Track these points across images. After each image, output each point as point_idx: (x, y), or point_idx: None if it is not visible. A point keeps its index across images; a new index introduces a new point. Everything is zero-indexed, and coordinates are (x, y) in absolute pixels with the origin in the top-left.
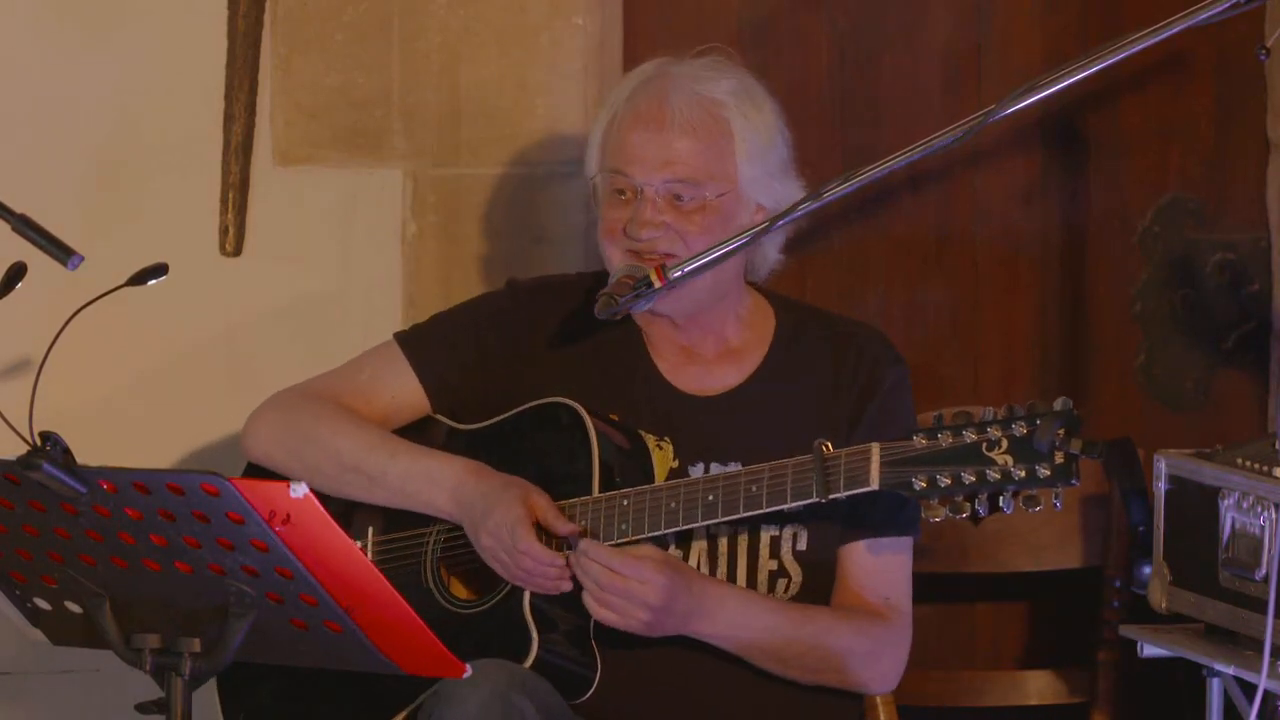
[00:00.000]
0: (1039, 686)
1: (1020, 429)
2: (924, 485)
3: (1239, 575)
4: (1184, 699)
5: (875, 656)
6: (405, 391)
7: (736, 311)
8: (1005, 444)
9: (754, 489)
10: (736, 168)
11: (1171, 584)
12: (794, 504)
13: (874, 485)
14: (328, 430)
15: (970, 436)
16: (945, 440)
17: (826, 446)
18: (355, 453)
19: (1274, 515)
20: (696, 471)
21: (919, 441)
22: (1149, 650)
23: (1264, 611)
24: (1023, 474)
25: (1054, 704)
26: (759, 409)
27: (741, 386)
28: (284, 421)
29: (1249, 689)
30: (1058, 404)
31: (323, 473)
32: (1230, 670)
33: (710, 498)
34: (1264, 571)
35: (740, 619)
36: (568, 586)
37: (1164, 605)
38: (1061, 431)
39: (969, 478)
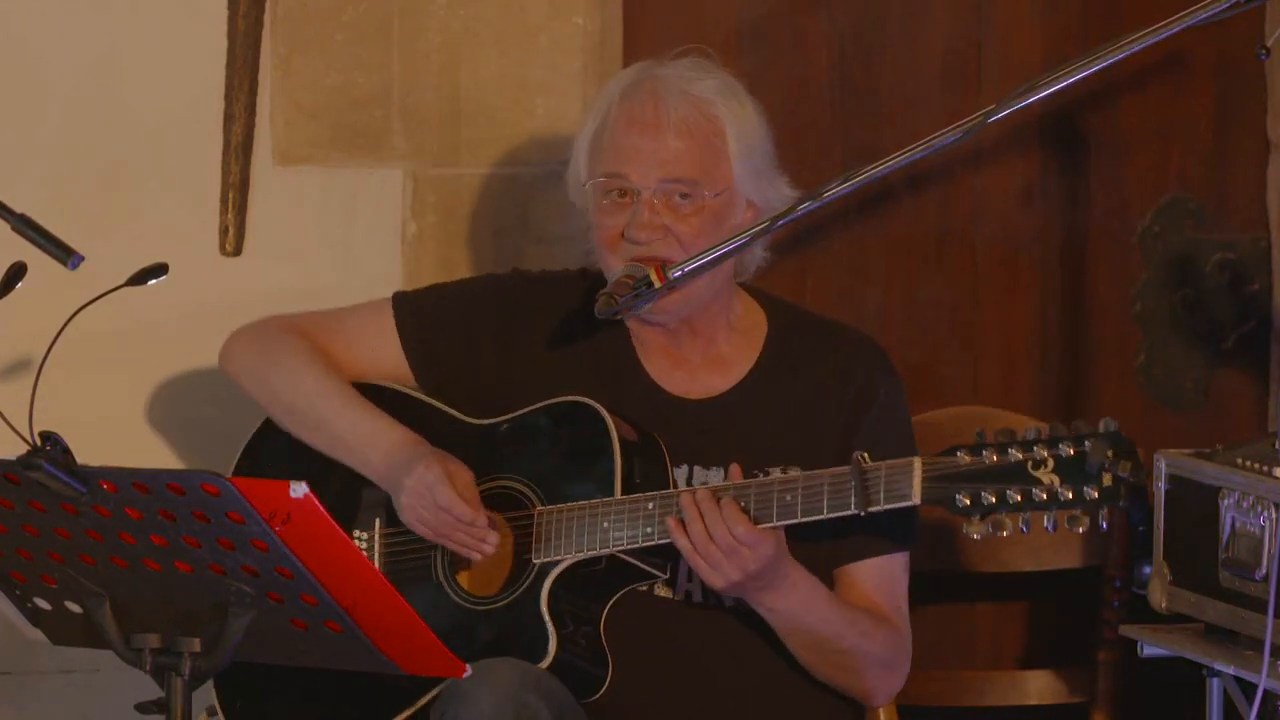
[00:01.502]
0: (1039, 686)
1: (1067, 450)
2: (968, 503)
3: (1239, 575)
4: (1184, 699)
5: (893, 668)
6: (385, 351)
7: (727, 316)
8: (1051, 464)
9: (789, 498)
10: (731, 166)
11: (1171, 584)
12: (830, 515)
13: (916, 500)
14: (295, 364)
15: (1015, 455)
16: (990, 458)
17: (863, 458)
18: (311, 394)
19: (1274, 515)
20: (680, 474)
21: (962, 458)
22: (1149, 650)
23: (1264, 611)
24: (1070, 495)
25: (1054, 704)
26: (747, 414)
27: (730, 391)
28: (260, 345)
29: (1249, 689)
30: (1103, 425)
31: (281, 404)
32: (1230, 670)
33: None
34: (1264, 571)
35: (805, 604)
36: (490, 549)
37: (1164, 605)
38: (1110, 453)
39: (1015, 496)
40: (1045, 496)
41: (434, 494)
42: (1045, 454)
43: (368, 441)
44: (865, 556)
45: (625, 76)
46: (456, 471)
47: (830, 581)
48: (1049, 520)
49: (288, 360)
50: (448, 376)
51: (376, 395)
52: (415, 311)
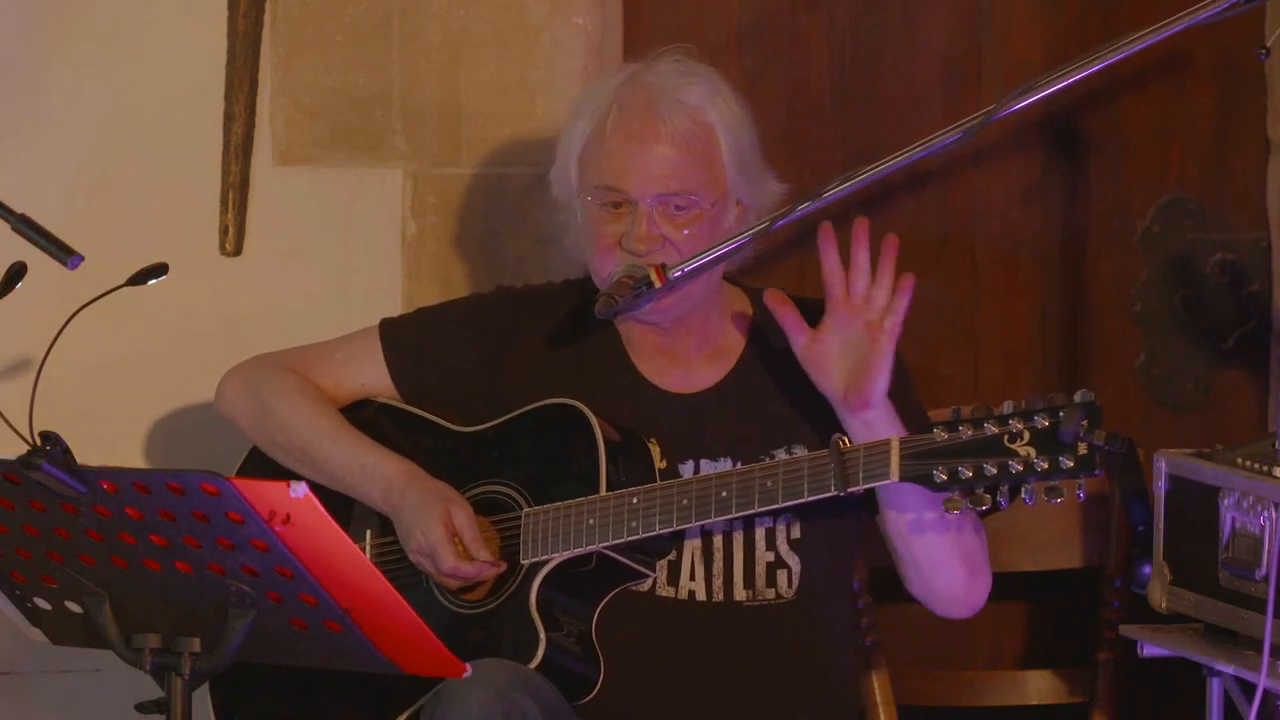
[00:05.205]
0: (1039, 686)
1: (1042, 421)
2: (945, 478)
3: (1239, 575)
4: (1184, 699)
5: (985, 551)
6: (375, 381)
7: (719, 308)
8: (1027, 436)
9: (769, 484)
10: (725, 171)
11: (1171, 584)
12: (810, 498)
13: (894, 478)
14: (285, 406)
15: (991, 429)
16: (966, 433)
17: (844, 440)
18: (304, 434)
19: (1274, 515)
20: (686, 470)
21: (939, 434)
22: (1149, 650)
23: (1264, 611)
24: (1046, 465)
25: (1054, 704)
26: (744, 402)
27: (724, 381)
28: (249, 389)
29: (1249, 689)
30: (1079, 396)
31: (278, 445)
32: (1230, 670)
33: (724, 494)
34: (1264, 571)
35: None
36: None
37: (1164, 605)
38: (1085, 422)
39: (991, 469)
40: (1021, 468)
41: (438, 560)
42: (1021, 426)
43: (364, 479)
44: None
45: (614, 84)
46: (456, 512)
47: (851, 573)
48: (1027, 492)
49: (278, 401)
50: (438, 401)
51: (364, 409)
52: (402, 339)
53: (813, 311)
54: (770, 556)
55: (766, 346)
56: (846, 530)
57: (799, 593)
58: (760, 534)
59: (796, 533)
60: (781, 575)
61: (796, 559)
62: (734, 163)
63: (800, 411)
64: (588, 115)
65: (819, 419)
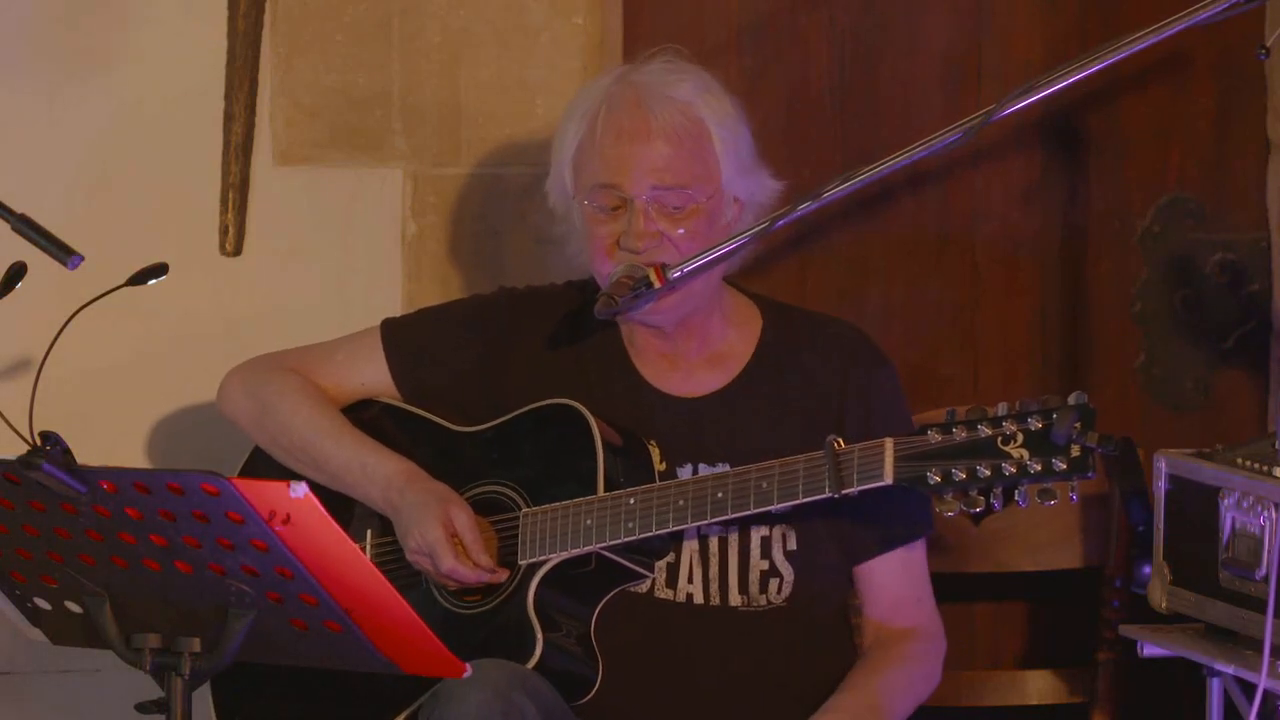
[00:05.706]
0: (1039, 686)
1: (1035, 423)
2: (939, 480)
3: (1239, 575)
4: (1184, 699)
5: (933, 672)
6: (376, 382)
7: (722, 313)
8: (1020, 438)
9: (765, 485)
10: (719, 166)
11: (1171, 584)
12: (805, 499)
13: (888, 479)
14: (287, 406)
15: (985, 431)
16: (959, 435)
17: (838, 442)
18: (305, 434)
19: (1274, 515)
20: (685, 474)
21: (933, 436)
22: (1149, 650)
23: (1264, 611)
24: (1039, 467)
25: (1054, 704)
26: (745, 410)
27: (728, 388)
28: (251, 389)
29: (1249, 689)
30: (1072, 398)
31: (279, 445)
32: (1230, 670)
33: (720, 494)
34: (1264, 571)
35: None
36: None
37: (1164, 605)
38: (1078, 424)
39: (984, 471)
40: (1014, 470)
41: (436, 560)
42: (1014, 429)
43: (364, 478)
44: (883, 550)
45: (603, 85)
46: (456, 514)
47: (850, 581)
48: (1020, 494)
49: (279, 402)
50: (439, 401)
51: (366, 410)
52: (404, 339)
53: (798, 320)
54: (765, 565)
55: (773, 358)
56: (844, 547)
57: (791, 600)
58: (756, 541)
59: (793, 544)
60: (774, 583)
61: (791, 570)
62: (728, 158)
63: (802, 426)
64: (578, 118)
65: (820, 436)
